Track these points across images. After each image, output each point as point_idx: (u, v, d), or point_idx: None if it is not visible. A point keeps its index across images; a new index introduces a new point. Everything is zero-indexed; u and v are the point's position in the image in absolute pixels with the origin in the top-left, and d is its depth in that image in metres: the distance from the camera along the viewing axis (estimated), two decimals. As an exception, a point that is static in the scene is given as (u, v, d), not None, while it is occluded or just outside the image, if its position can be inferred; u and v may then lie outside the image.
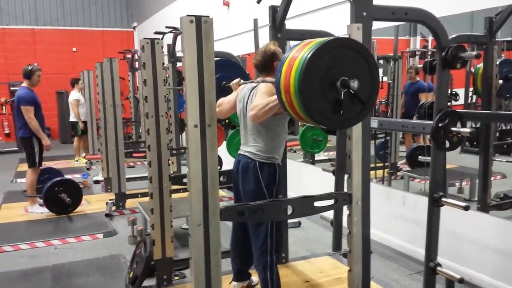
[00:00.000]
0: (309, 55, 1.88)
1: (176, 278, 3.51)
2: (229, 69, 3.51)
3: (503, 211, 3.99)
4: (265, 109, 2.56)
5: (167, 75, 5.68)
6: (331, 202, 2.59)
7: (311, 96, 1.91)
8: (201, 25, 2.07)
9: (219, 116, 3.03)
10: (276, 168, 2.82)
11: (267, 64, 2.80)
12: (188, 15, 2.04)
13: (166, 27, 5.39)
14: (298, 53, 1.95)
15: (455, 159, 5.35)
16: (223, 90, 3.30)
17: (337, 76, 1.92)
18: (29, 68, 5.55)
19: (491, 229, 3.35)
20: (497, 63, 3.77)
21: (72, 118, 9.07)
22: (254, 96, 2.78)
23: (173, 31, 5.53)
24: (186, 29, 2.05)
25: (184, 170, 5.86)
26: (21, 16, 13.46)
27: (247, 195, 2.83)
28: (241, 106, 2.92)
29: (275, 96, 2.37)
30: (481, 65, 3.89)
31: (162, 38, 3.72)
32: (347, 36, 2.30)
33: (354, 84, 1.89)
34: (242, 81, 3.07)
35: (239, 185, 2.92)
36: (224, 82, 3.37)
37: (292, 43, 5.24)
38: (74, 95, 8.90)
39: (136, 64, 9.19)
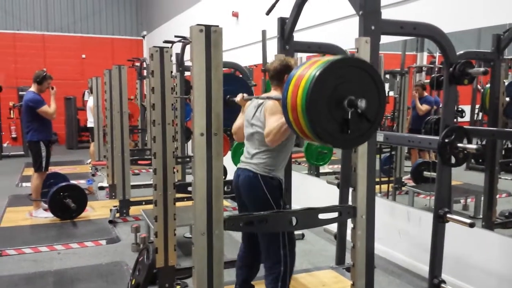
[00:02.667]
0: (316, 74, 1.87)
1: (178, 287, 3.51)
2: (233, 83, 3.50)
3: (508, 230, 3.96)
4: (279, 132, 2.59)
5: (174, 84, 5.71)
6: (335, 215, 2.58)
7: (318, 115, 1.89)
8: (210, 35, 2.09)
9: (239, 141, 3.24)
10: (279, 182, 2.83)
11: (281, 73, 2.82)
12: (198, 25, 2.06)
13: (175, 36, 5.44)
14: (305, 71, 1.94)
15: (461, 176, 5.32)
16: (227, 104, 3.29)
17: (344, 95, 1.90)
18: (43, 74, 5.58)
19: (496, 247, 3.33)
20: (506, 83, 3.77)
21: (91, 124, 8.98)
22: (260, 113, 2.80)
23: (182, 40, 5.59)
24: (196, 38, 2.07)
25: (189, 178, 5.84)
26: (32, 22, 13.60)
27: (253, 204, 2.81)
28: (247, 123, 2.95)
29: None
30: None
31: (171, 47, 3.74)
32: (354, 51, 2.31)
33: (362, 103, 1.87)
34: (246, 96, 3.08)
35: (241, 197, 2.91)
36: (228, 96, 3.36)
37: (299, 55, 5.28)
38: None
39: (144, 72, 9.26)
